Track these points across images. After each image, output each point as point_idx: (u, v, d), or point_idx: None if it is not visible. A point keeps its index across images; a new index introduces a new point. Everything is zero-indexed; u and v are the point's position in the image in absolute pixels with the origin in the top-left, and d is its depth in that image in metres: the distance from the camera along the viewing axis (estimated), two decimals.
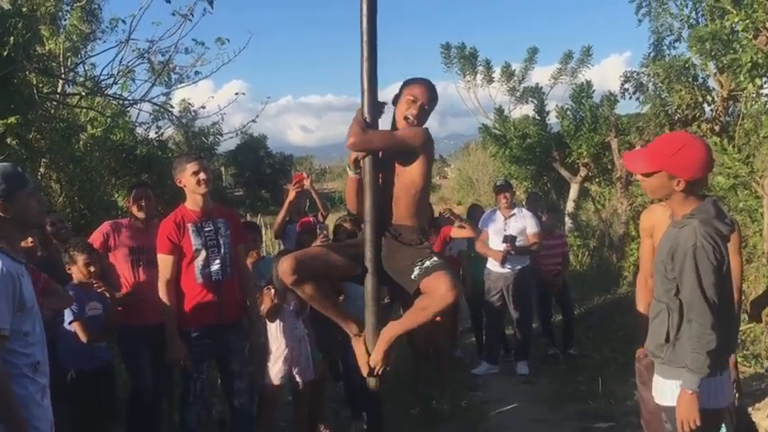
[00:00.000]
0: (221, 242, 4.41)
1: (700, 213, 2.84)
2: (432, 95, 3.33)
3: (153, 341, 4.67)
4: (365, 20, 3.16)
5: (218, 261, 4.38)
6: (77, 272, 4.47)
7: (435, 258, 3.25)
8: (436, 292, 3.07)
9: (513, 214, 7.31)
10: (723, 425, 3.02)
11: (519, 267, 7.25)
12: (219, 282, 4.39)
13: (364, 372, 3.31)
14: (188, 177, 4.35)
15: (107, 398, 4.59)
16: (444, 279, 3.08)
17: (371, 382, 3.33)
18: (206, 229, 4.39)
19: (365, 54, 3.17)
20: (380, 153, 3.32)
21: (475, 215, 8.44)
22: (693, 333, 2.80)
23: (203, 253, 4.35)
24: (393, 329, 3.26)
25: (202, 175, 4.32)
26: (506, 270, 7.24)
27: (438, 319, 3.63)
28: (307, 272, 3.28)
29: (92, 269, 4.48)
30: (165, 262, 4.36)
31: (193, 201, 4.42)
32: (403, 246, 3.33)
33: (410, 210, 3.40)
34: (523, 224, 7.25)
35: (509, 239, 7.08)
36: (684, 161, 2.83)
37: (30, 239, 4.38)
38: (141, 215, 4.90)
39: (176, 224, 4.35)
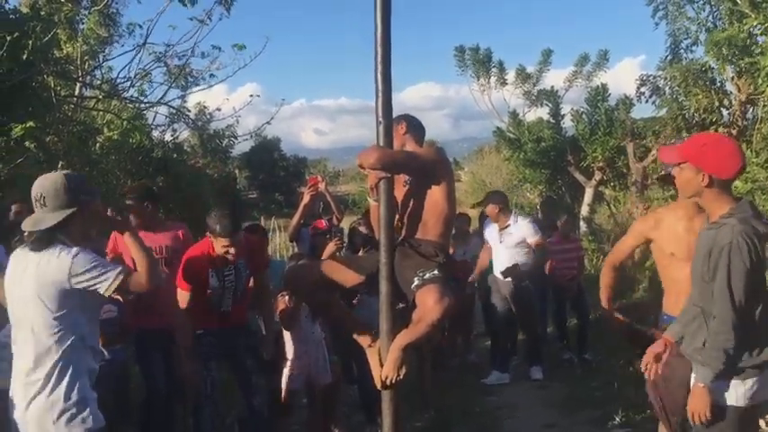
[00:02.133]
0: (238, 282, 4.46)
1: (738, 213, 2.82)
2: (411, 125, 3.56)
3: (164, 344, 4.69)
4: (379, 22, 3.17)
5: (230, 296, 4.45)
6: None
7: (436, 272, 3.26)
8: (425, 305, 3.10)
9: (508, 225, 6.92)
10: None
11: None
12: (227, 311, 4.49)
13: (378, 385, 3.31)
14: (218, 246, 4.27)
15: (120, 399, 4.61)
16: (433, 293, 3.09)
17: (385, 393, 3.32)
18: (226, 273, 4.40)
19: (379, 56, 3.17)
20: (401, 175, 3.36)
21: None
22: (712, 329, 2.82)
23: (219, 291, 4.41)
24: (402, 339, 3.26)
25: (232, 251, 4.25)
26: (507, 279, 6.96)
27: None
28: (301, 285, 3.35)
29: None
30: (183, 297, 4.39)
31: (221, 250, 4.33)
32: (415, 255, 3.34)
33: (437, 230, 3.44)
34: (521, 235, 6.88)
35: (508, 272, 6.84)
36: (710, 155, 2.84)
37: None
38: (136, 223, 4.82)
39: (201, 265, 4.34)
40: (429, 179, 3.45)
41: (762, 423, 4.60)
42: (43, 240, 2.72)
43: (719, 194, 2.88)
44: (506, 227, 6.92)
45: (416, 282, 3.22)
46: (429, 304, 3.08)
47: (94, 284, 2.72)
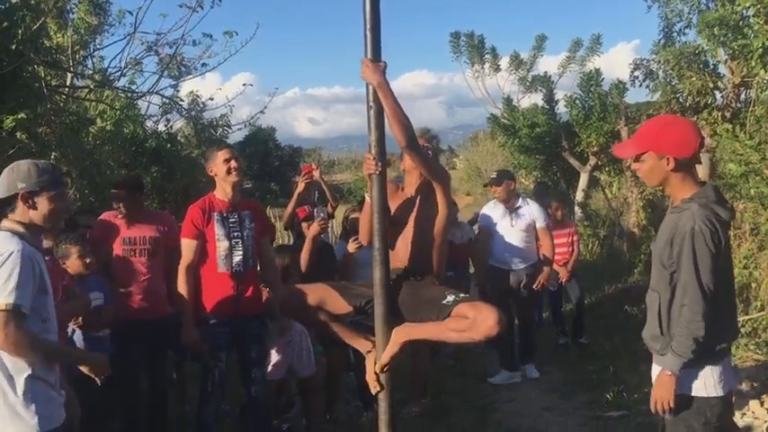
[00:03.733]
0: (245, 234, 4.44)
1: (699, 198, 2.81)
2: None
3: (146, 337, 4.69)
4: (368, 6, 3.16)
5: (240, 253, 4.41)
6: (72, 265, 4.37)
7: (463, 294, 3.24)
8: (484, 322, 2.96)
9: (519, 207, 6.66)
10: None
11: (525, 266, 6.71)
12: (240, 273, 4.41)
13: (373, 390, 3.30)
14: (219, 165, 4.38)
15: (104, 394, 4.52)
16: (494, 312, 3.01)
17: (378, 386, 3.33)
18: (230, 220, 4.41)
19: (368, 40, 3.16)
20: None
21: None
22: (683, 318, 2.79)
23: (226, 243, 4.38)
24: (407, 334, 3.23)
25: (233, 163, 4.35)
26: (519, 267, 6.68)
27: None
28: (294, 312, 3.39)
29: (87, 260, 4.40)
30: (187, 247, 4.40)
31: (222, 190, 4.45)
32: (426, 284, 3.34)
33: (435, 258, 3.44)
34: (532, 218, 6.65)
35: (526, 286, 6.66)
36: (669, 137, 2.82)
37: (87, 260, 4.37)
38: (121, 216, 4.82)
39: (203, 210, 4.39)
40: (431, 199, 3.44)
41: (738, 415, 4.61)
42: None
43: (684, 178, 2.86)
44: (517, 208, 6.66)
45: (452, 298, 3.15)
46: (490, 322, 2.92)
47: None
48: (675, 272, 2.82)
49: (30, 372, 2.63)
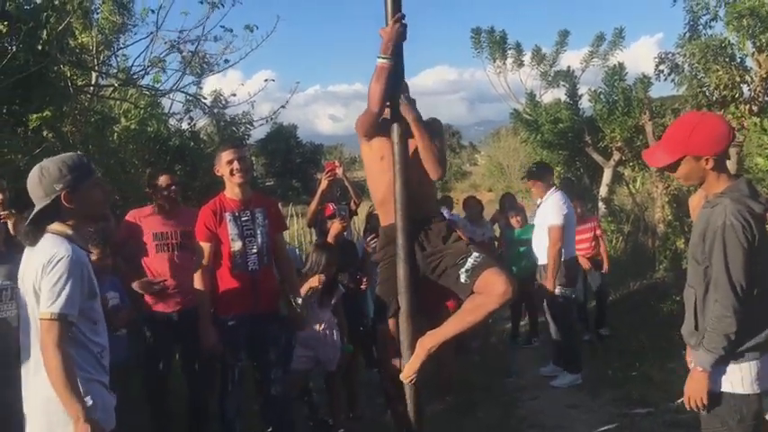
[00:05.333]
0: (258, 232, 4.42)
1: (731, 192, 2.77)
2: None
3: (175, 331, 4.70)
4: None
5: (254, 251, 4.39)
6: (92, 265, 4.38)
7: (476, 254, 3.24)
8: (493, 291, 3.03)
9: (542, 202, 6.48)
10: None
11: (544, 264, 6.44)
12: (256, 271, 4.40)
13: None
14: (224, 166, 4.36)
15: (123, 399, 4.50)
16: (499, 276, 3.05)
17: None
18: (243, 219, 4.39)
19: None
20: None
21: (507, 205, 8.41)
22: (714, 313, 2.75)
23: (240, 243, 4.37)
24: (435, 338, 3.24)
25: (236, 165, 4.31)
26: (543, 262, 6.46)
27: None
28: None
29: (108, 262, 4.44)
30: (202, 249, 4.40)
31: (231, 190, 4.43)
32: (436, 250, 3.33)
33: (429, 193, 3.45)
34: (545, 213, 6.39)
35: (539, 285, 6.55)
36: (703, 137, 2.78)
37: (96, 253, 4.32)
38: (167, 202, 4.81)
39: (214, 212, 4.38)
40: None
41: None
42: (30, 235, 2.71)
43: (719, 173, 2.83)
44: (542, 202, 6.49)
45: (464, 275, 3.18)
46: (500, 289, 3.02)
47: (43, 298, 2.59)
48: (708, 267, 2.78)
49: (86, 373, 2.66)
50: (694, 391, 2.85)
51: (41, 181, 2.71)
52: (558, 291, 6.30)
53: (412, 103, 3.36)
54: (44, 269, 2.58)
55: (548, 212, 6.36)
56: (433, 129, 3.49)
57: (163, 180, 4.84)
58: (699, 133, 2.79)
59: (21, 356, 2.76)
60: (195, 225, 4.60)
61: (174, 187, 4.84)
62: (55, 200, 2.70)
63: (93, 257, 4.24)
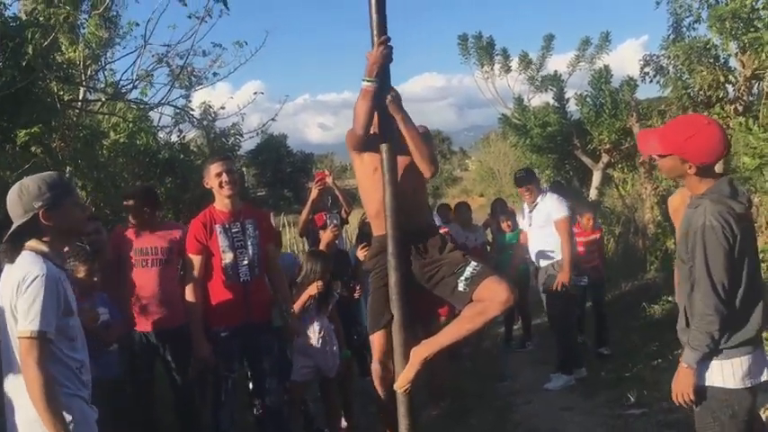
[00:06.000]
0: (249, 243, 4.43)
1: (712, 193, 2.82)
2: None
3: (166, 346, 4.68)
4: (374, 13, 3.21)
5: (246, 262, 4.41)
6: (80, 282, 4.25)
7: (474, 263, 3.26)
8: (495, 298, 3.07)
9: (536, 204, 6.44)
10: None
11: (550, 263, 6.41)
12: (247, 282, 4.42)
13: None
14: (212, 179, 4.38)
15: (120, 416, 4.35)
16: (500, 284, 3.10)
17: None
18: (233, 231, 4.40)
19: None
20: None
21: (498, 209, 8.43)
22: (697, 311, 2.81)
23: (231, 254, 4.37)
24: (430, 347, 3.26)
25: (225, 177, 4.33)
26: (546, 263, 6.44)
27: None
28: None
29: (95, 279, 4.37)
30: (192, 262, 4.42)
31: (221, 202, 4.45)
32: (433, 260, 3.35)
33: (423, 202, 3.46)
34: (547, 211, 6.33)
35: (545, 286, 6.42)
36: (697, 147, 2.82)
37: (95, 279, 4.31)
38: (131, 226, 4.83)
39: (204, 225, 4.39)
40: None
41: (762, 415, 4.55)
42: (8, 252, 2.71)
43: (702, 177, 2.88)
44: (536, 205, 6.47)
45: (462, 284, 3.20)
46: (503, 297, 3.06)
47: (20, 317, 2.59)
48: (692, 266, 2.84)
49: (65, 388, 2.66)
50: (681, 386, 2.90)
51: (21, 198, 2.72)
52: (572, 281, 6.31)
53: (398, 100, 3.35)
54: (19, 288, 2.59)
55: (550, 210, 6.33)
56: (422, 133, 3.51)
57: (127, 203, 4.88)
58: (695, 140, 2.82)
59: (3, 375, 2.76)
60: (179, 240, 4.62)
61: (145, 208, 4.81)
62: (33, 217, 2.70)
63: (81, 274, 4.24)
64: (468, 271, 3.22)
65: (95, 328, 4.23)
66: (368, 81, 3.23)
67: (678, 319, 3.04)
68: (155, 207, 4.95)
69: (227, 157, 4.60)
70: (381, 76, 3.26)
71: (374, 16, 3.23)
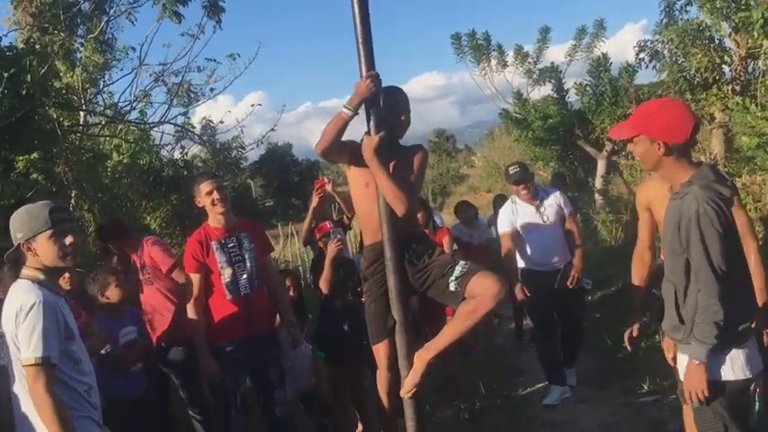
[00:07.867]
0: (246, 257, 4.46)
1: (698, 179, 2.75)
2: None
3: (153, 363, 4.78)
4: (358, 20, 3.24)
5: (245, 276, 4.44)
6: (113, 294, 4.42)
7: (462, 262, 3.29)
8: (486, 292, 3.09)
9: (542, 200, 5.97)
10: (756, 397, 2.97)
11: (563, 264, 6.02)
12: (248, 296, 4.45)
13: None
14: (204, 198, 4.40)
15: (144, 427, 4.45)
16: (489, 278, 3.12)
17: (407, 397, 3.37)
18: (230, 246, 4.43)
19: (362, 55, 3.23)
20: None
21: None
22: (700, 303, 2.73)
23: (229, 270, 4.41)
24: (432, 350, 3.28)
25: (216, 195, 4.35)
26: (550, 267, 6.01)
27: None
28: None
29: (125, 289, 4.52)
30: (192, 281, 4.45)
31: (215, 219, 4.48)
32: (425, 265, 3.38)
33: (413, 211, 3.49)
34: (557, 205, 5.98)
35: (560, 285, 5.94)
36: (660, 122, 2.78)
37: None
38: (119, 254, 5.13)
39: (200, 243, 4.43)
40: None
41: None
42: (4, 279, 2.81)
43: (678, 161, 2.81)
44: (541, 201, 5.99)
45: (453, 284, 3.23)
46: (493, 290, 3.09)
47: (22, 346, 2.62)
48: (688, 257, 2.77)
49: (75, 410, 2.70)
50: (694, 383, 2.81)
51: (11, 227, 2.80)
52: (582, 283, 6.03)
53: (377, 145, 3.28)
54: (17, 317, 2.63)
55: (563, 205, 6.03)
56: (408, 161, 3.48)
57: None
58: (657, 117, 2.80)
59: (13, 402, 2.80)
60: (162, 261, 4.79)
61: (110, 245, 5.18)
62: (18, 247, 2.77)
63: (114, 298, 4.40)
64: (458, 270, 3.23)
65: (116, 349, 4.31)
66: (346, 109, 3.24)
67: (665, 318, 2.99)
68: (117, 237, 5.15)
69: (214, 175, 4.64)
70: (374, 111, 3.26)
71: (361, 49, 3.25)
